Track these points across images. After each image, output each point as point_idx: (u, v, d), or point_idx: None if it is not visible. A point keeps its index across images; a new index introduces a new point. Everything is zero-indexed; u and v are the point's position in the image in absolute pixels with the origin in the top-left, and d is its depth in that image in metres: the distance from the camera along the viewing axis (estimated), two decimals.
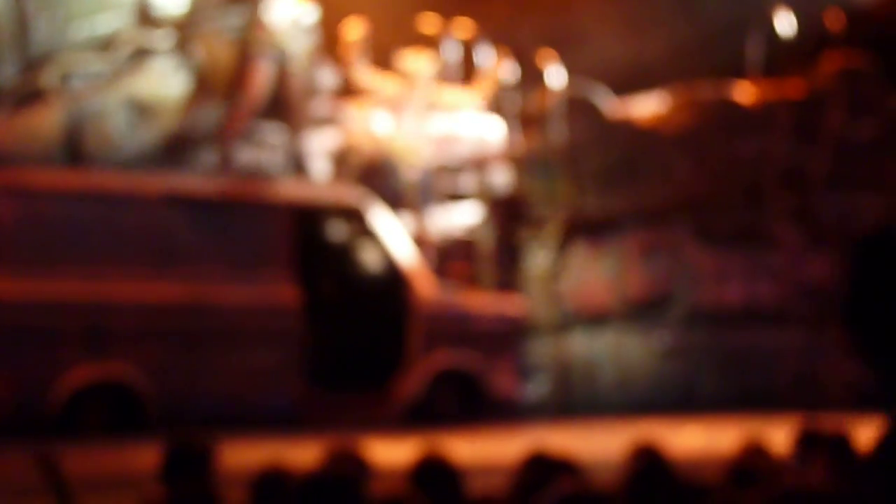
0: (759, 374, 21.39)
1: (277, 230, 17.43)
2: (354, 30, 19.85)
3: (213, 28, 18.89)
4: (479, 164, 20.54)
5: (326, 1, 19.92)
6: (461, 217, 20.66)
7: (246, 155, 18.90)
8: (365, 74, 20.31)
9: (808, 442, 8.06)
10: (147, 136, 17.99)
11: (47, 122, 17.13)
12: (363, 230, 18.38)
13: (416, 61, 20.39)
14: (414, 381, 18.00)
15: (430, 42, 20.84)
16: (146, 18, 18.34)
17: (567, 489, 4.39)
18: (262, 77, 18.60)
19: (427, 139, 20.02)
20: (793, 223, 22.00)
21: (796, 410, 15.48)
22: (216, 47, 18.74)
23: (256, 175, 18.71)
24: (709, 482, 6.88)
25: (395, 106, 20.22)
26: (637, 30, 23.56)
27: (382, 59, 21.24)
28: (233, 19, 18.96)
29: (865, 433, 8.12)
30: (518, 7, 23.12)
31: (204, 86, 18.53)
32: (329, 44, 20.17)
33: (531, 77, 21.43)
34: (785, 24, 21.82)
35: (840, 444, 7.89)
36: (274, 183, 18.49)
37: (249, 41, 18.68)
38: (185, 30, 18.66)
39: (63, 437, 15.13)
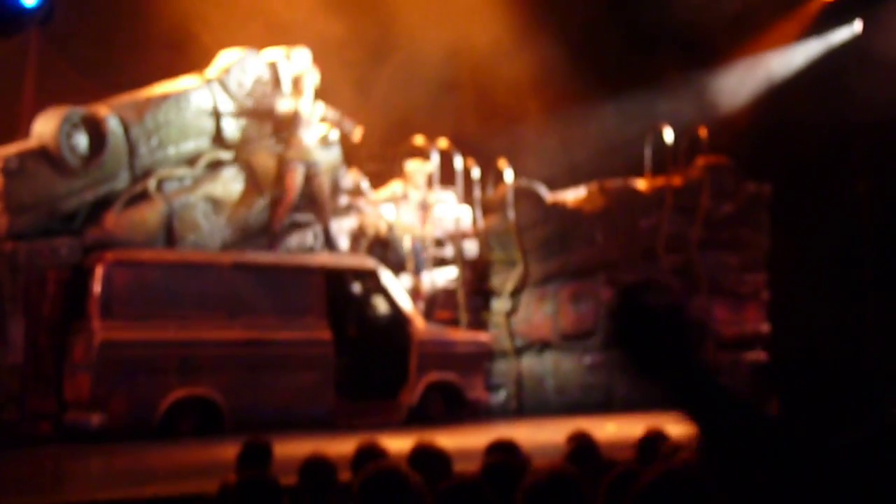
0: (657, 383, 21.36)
1: (314, 287, 17.42)
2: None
3: (263, 146, 18.91)
4: (455, 237, 20.56)
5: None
6: (444, 275, 20.67)
7: (291, 235, 18.93)
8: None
9: None
10: (220, 223, 17.98)
11: (150, 215, 17.09)
12: (376, 286, 18.42)
13: (414, 166, 20.41)
14: (413, 392, 18.00)
15: (421, 152, 20.88)
16: (218, 140, 18.35)
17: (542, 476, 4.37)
18: (296, 179, 18.61)
19: (419, 221, 19.99)
20: (677, 275, 22.00)
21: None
22: (265, 159, 18.74)
23: (298, 249, 18.77)
24: (622, 459, 6.89)
25: (396, 199, 20.23)
26: (566, 142, 23.58)
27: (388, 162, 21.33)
28: (277, 139, 19.00)
29: None
30: (481, 127, 23.14)
31: (257, 187, 18.53)
32: (347, 154, 20.17)
33: (491, 175, 21.47)
34: (669, 135, 21.85)
35: None
36: (310, 254, 18.56)
37: (287, 154, 18.71)
38: (244, 148, 18.68)
39: (164, 439, 15.16)
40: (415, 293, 19.49)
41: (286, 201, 18.53)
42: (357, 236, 19.71)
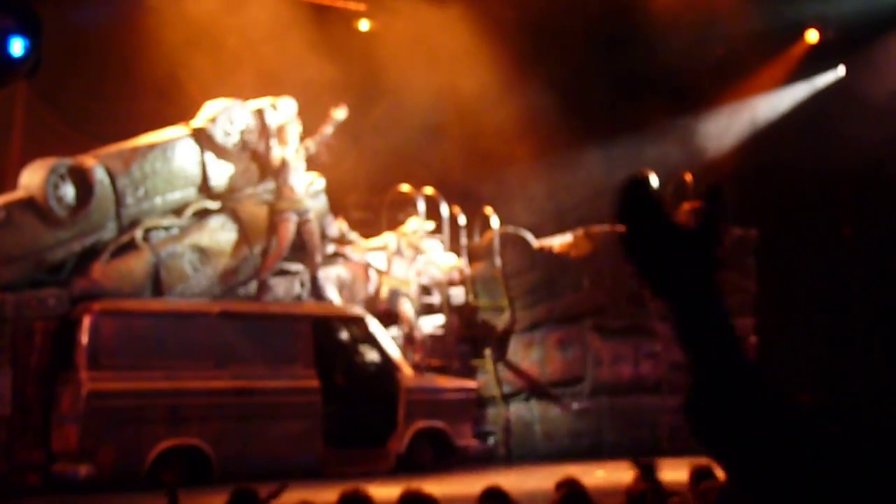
0: (645, 429, 21.39)
1: (302, 335, 17.45)
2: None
3: (251, 194, 18.99)
4: (443, 285, 20.60)
5: (329, 175, 20.02)
6: (431, 322, 20.68)
7: (279, 283, 18.96)
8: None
9: (697, 476, 8.13)
10: (208, 272, 18.01)
11: (137, 265, 17.13)
12: (364, 334, 18.48)
13: (408, 223, 20.39)
14: (401, 439, 18.00)
15: (408, 201, 20.96)
16: (204, 190, 18.41)
17: None
18: (289, 230, 18.65)
19: (410, 272, 19.99)
20: (664, 320, 22.05)
21: (674, 455, 15.34)
22: (251, 208, 18.79)
23: (286, 297, 18.80)
24: None
25: (389, 252, 20.17)
26: (552, 188, 23.67)
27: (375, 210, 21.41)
28: (264, 188, 19.07)
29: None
30: (467, 174, 23.20)
31: (245, 236, 18.58)
32: (333, 202, 20.24)
33: (477, 222, 21.56)
34: (654, 181, 21.95)
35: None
36: (298, 302, 18.60)
37: (279, 205, 18.75)
38: (230, 197, 18.74)
39: (152, 489, 15.14)
40: (408, 341, 19.52)
41: (278, 251, 18.56)
42: (344, 285, 19.69)
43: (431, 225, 20.66)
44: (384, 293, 19.77)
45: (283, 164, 18.70)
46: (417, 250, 20.09)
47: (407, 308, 19.64)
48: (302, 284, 19.09)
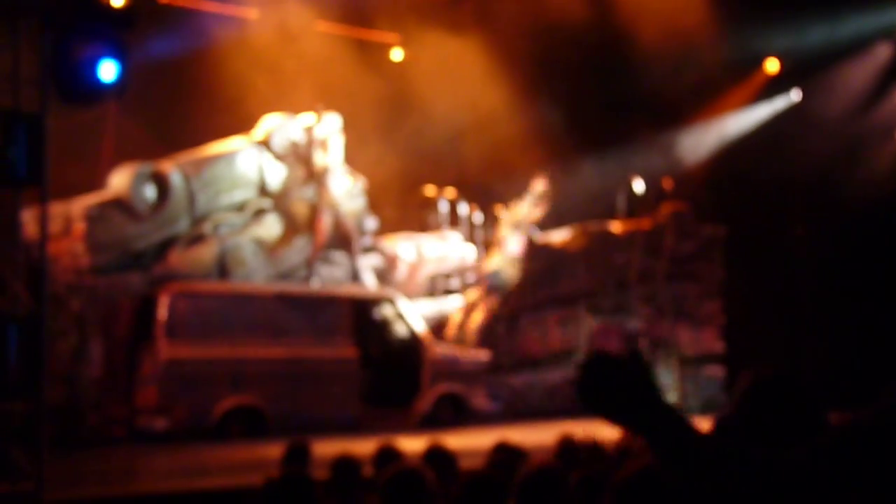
0: None
1: (343, 314, 17.51)
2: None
3: (298, 196, 19.02)
4: (461, 272, 20.60)
5: (368, 178, 20.06)
6: (453, 303, 20.69)
7: (323, 269, 19.00)
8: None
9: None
10: (264, 260, 18.05)
11: (206, 253, 17.22)
12: (395, 312, 18.51)
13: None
14: (426, 401, 18.02)
15: (430, 201, 20.96)
16: (262, 191, 18.45)
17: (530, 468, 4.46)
18: (324, 224, 18.69)
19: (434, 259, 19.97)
20: (646, 303, 22.07)
21: None
22: (300, 206, 18.85)
23: (330, 281, 18.83)
24: (603, 456, 6.89)
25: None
26: (553, 191, 23.62)
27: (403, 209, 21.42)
28: (309, 190, 19.10)
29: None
30: (483, 178, 23.24)
31: (295, 229, 18.62)
32: (371, 201, 20.24)
33: (490, 219, 21.55)
34: (639, 186, 21.96)
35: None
36: (340, 286, 18.63)
37: (318, 203, 18.80)
38: (283, 198, 18.78)
39: (218, 440, 15.22)
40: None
41: (317, 242, 18.62)
42: (380, 272, 19.66)
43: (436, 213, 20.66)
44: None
45: (325, 171, 18.75)
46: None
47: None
48: (344, 271, 19.10)
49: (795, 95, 26.27)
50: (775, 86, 26.30)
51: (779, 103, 26.59)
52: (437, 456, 6.57)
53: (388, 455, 6.72)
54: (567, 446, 7.46)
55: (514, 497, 4.45)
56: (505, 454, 6.65)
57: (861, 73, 24.70)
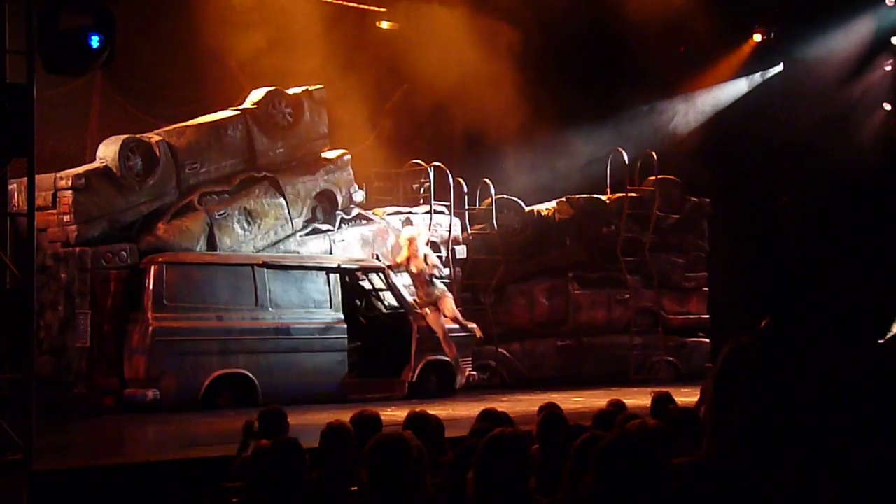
0: (616, 363, 21.49)
1: (331, 283, 17.49)
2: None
3: (286, 167, 18.90)
4: (450, 242, 20.53)
5: (354, 150, 19.95)
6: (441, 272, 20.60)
7: (313, 239, 18.91)
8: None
9: (657, 401, 8.16)
10: (252, 230, 17.98)
11: (194, 224, 17.15)
12: (383, 283, 18.50)
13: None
14: (413, 371, 18.02)
15: (421, 172, 20.91)
16: (249, 162, 18.32)
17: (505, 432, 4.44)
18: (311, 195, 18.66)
19: (423, 229, 19.76)
20: (633, 273, 22.11)
21: (638, 385, 15.30)
22: (287, 177, 18.74)
23: (318, 251, 18.74)
24: (585, 426, 6.92)
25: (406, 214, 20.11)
26: (541, 162, 23.67)
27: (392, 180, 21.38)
28: (296, 160, 18.99)
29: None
30: (471, 151, 23.25)
31: (283, 201, 18.52)
32: (357, 173, 20.13)
33: (480, 192, 21.52)
34: (626, 157, 21.97)
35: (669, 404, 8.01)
36: (328, 255, 18.57)
37: (305, 173, 18.73)
38: (271, 167, 18.67)
39: (207, 410, 15.23)
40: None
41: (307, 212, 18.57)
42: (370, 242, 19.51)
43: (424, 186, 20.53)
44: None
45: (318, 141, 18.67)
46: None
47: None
48: (332, 242, 19.01)
49: (779, 67, 26.35)
50: (759, 56, 26.37)
51: (764, 74, 26.68)
52: (421, 423, 6.61)
53: (366, 423, 6.73)
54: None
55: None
56: (490, 422, 6.68)
57: (846, 43, 24.77)
